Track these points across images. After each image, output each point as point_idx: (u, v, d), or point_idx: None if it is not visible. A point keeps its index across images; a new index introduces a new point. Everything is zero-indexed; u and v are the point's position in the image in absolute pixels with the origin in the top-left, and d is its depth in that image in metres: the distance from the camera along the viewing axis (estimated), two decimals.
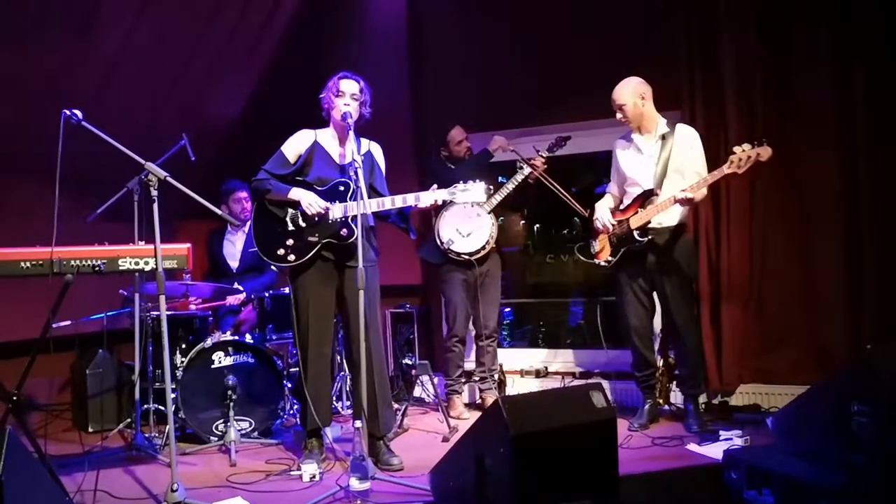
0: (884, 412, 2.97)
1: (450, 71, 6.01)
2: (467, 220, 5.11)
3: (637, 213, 4.49)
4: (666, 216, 4.47)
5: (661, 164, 4.46)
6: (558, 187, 5.03)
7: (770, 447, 3.70)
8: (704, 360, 4.84)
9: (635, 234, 4.48)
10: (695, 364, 4.63)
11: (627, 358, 4.79)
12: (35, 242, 3.67)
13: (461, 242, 5.09)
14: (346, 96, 4.00)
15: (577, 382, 5.45)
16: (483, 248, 5.09)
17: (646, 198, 4.48)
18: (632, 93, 4.50)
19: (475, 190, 3.85)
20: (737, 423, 4.51)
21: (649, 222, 4.46)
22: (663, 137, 4.51)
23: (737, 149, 4.17)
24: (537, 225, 6.94)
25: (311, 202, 3.93)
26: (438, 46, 6.10)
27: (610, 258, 4.64)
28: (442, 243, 5.09)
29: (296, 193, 3.98)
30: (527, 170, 5.08)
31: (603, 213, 4.70)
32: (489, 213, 5.11)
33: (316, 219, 3.96)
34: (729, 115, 4.89)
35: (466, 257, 5.10)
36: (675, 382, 4.84)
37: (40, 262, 3.64)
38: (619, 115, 4.56)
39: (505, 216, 5.20)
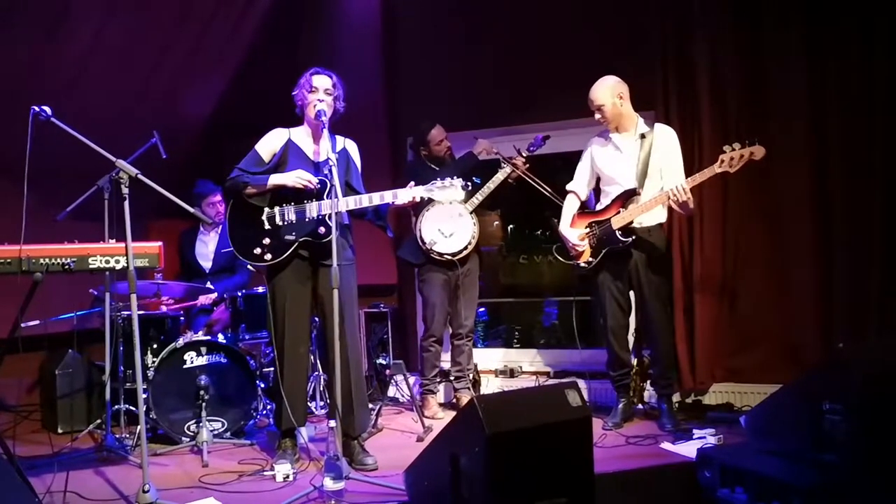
0: (855, 410, 3.01)
1: (424, 68, 6.01)
2: (449, 220, 5.09)
3: (619, 212, 4.49)
4: (647, 216, 4.47)
5: (641, 164, 4.46)
6: (542, 185, 5.00)
7: (743, 446, 3.73)
8: (677, 359, 4.87)
9: (618, 234, 4.47)
10: (668, 363, 4.64)
11: (601, 357, 4.80)
12: (3, 241, 3.61)
13: (444, 243, 5.06)
14: (320, 92, 3.97)
15: (551, 382, 5.46)
16: (466, 248, 5.07)
17: (627, 197, 4.47)
18: (610, 93, 4.48)
19: (453, 188, 3.83)
20: (710, 422, 4.52)
21: (632, 222, 4.46)
22: (642, 136, 4.51)
23: (727, 148, 4.16)
24: (511, 226, 6.94)
25: (298, 176, 3.89)
26: (413, 43, 6.09)
27: (591, 259, 4.62)
28: (424, 243, 5.05)
29: (277, 178, 3.92)
30: (508, 169, 5.07)
31: (570, 237, 4.64)
32: (471, 212, 5.10)
33: (309, 188, 3.90)
34: (703, 114, 4.91)
35: (449, 257, 5.08)
36: (648, 381, 4.86)
37: (8, 261, 3.57)
38: (597, 116, 4.54)
39: (482, 216, 5.18)
